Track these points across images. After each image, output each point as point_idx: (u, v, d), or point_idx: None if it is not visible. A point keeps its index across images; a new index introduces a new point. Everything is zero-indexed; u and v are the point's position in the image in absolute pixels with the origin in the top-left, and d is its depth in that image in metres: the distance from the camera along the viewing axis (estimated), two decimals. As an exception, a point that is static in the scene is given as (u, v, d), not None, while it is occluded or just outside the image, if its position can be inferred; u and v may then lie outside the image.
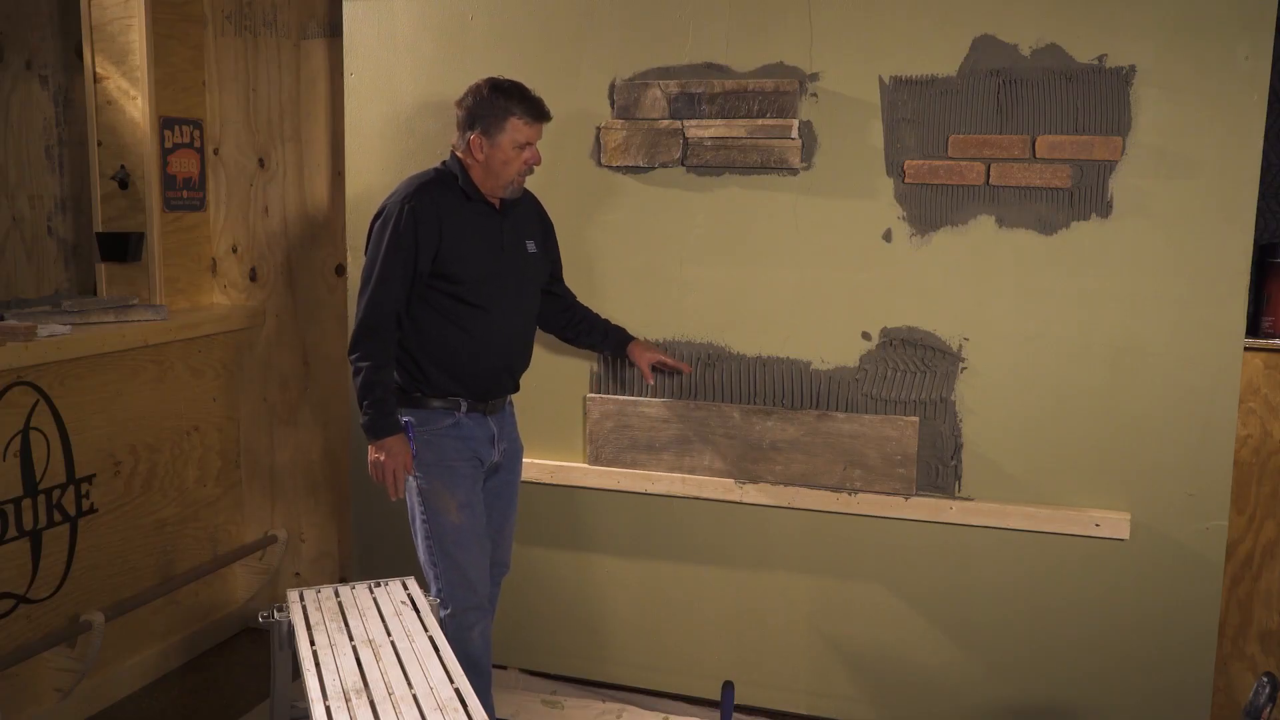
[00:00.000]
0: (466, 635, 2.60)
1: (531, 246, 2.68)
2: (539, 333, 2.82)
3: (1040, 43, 2.58)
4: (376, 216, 2.56)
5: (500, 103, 2.52)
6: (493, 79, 2.55)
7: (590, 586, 3.11)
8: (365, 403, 2.51)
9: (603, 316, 2.89)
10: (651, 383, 2.92)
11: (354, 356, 2.53)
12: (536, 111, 2.54)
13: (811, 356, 2.85)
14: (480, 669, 2.62)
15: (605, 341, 2.88)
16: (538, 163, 2.57)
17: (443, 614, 2.58)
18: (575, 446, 3.08)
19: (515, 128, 2.51)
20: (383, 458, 2.53)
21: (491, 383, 2.63)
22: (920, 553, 2.82)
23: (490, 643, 2.68)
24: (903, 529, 2.82)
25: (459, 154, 2.57)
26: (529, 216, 2.72)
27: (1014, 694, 2.79)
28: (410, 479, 2.60)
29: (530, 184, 2.70)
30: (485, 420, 2.64)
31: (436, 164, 2.63)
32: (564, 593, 3.13)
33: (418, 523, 2.63)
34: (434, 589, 2.61)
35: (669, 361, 2.89)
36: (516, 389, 2.73)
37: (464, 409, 2.60)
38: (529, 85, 2.55)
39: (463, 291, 2.54)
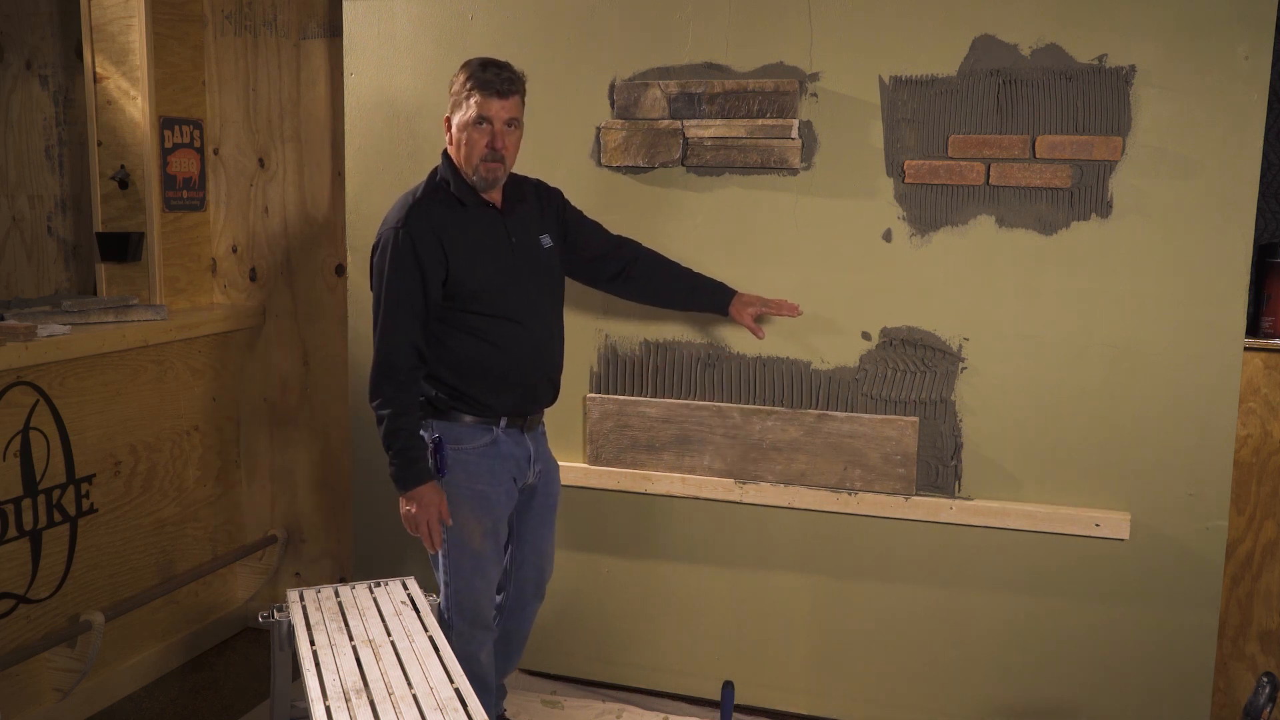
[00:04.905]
0: (475, 655, 2.55)
1: (547, 240, 2.54)
2: None
3: (1040, 43, 2.58)
4: (374, 248, 2.42)
5: (460, 79, 2.37)
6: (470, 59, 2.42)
7: (590, 586, 3.11)
8: (390, 452, 2.37)
9: (693, 272, 2.72)
10: (762, 337, 2.73)
11: (375, 403, 2.37)
12: (488, 85, 2.33)
13: (811, 356, 2.85)
14: (487, 686, 2.59)
15: (712, 304, 2.69)
16: (505, 148, 2.37)
17: (446, 620, 2.53)
18: (575, 446, 3.08)
19: (470, 104, 2.34)
20: (414, 509, 2.39)
21: (531, 396, 2.50)
22: (920, 553, 2.81)
23: (494, 660, 2.66)
24: (903, 529, 2.81)
25: (449, 149, 2.45)
26: (537, 207, 2.56)
27: (1014, 694, 2.79)
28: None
29: (530, 184, 2.70)
30: (523, 438, 2.52)
31: (429, 170, 2.51)
32: (564, 592, 3.13)
33: None
34: (444, 605, 2.54)
35: (772, 308, 2.69)
36: (556, 397, 2.61)
37: (502, 424, 2.48)
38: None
39: (485, 306, 2.40)
